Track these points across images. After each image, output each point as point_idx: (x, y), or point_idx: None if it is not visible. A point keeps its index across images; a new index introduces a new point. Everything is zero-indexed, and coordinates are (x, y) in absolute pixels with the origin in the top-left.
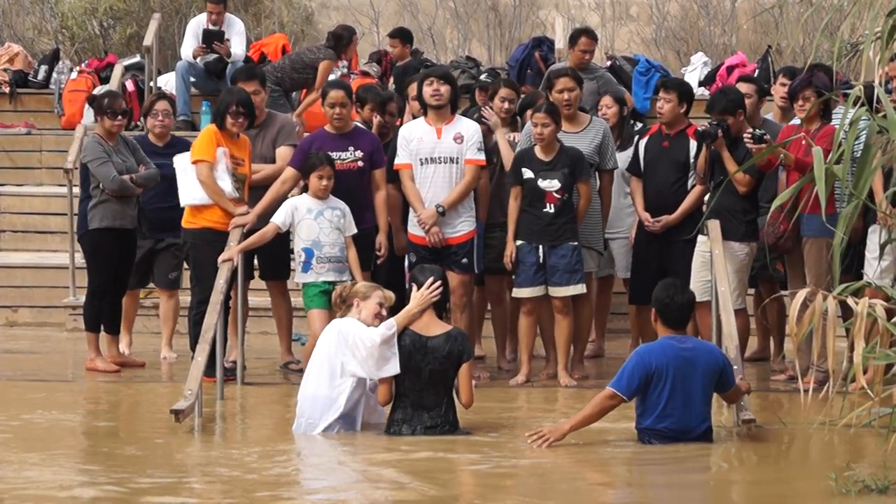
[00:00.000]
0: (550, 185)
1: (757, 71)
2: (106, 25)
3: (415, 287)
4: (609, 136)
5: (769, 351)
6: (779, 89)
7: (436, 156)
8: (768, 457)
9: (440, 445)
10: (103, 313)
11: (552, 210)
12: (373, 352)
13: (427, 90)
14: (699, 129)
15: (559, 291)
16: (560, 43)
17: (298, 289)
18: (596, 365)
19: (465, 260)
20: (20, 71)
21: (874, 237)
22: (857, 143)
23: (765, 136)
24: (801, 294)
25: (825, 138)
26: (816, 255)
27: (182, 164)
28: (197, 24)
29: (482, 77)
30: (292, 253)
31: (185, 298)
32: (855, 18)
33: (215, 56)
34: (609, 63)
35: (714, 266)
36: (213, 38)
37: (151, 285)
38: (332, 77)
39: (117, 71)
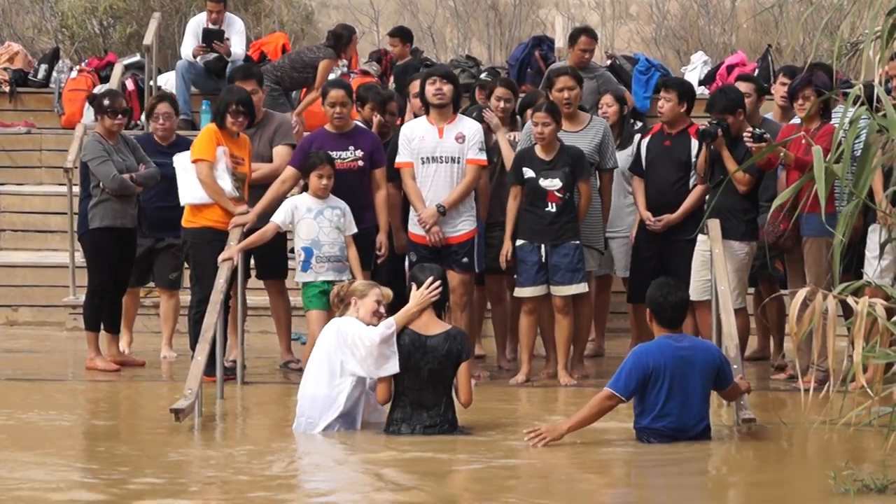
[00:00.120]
0: (552, 184)
1: (757, 70)
2: (106, 24)
3: (414, 286)
4: (609, 136)
5: (769, 350)
6: (779, 88)
7: (437, 155)
8: (768, 456)
9: (439, 445)
10: (103, 312)
11: (554, 209)
12: (372, 351)
13: (430, 89)
14: (700, 128)
15: (562, 291)
16: (560, 42)
17: (297, 288)
18: (596, 364)
19: (465, 259)
20: (20, 70)
21: (874, 236)
22: (856, 142)
23: (764, 136)
24: (801, 293)
25: (825, 137)
26: (816, 254)
27: (182, 163)
28: (197, 24)
29: (482, 76)
30: (290, 252)
31: (186, 298)
32: (855, 17)
33: (215, 55)
34: (609, 62)
35: (714, 265)
36: (212, 38)
37: (151, 284)
38: (332, 76)
39: (117, 70)
